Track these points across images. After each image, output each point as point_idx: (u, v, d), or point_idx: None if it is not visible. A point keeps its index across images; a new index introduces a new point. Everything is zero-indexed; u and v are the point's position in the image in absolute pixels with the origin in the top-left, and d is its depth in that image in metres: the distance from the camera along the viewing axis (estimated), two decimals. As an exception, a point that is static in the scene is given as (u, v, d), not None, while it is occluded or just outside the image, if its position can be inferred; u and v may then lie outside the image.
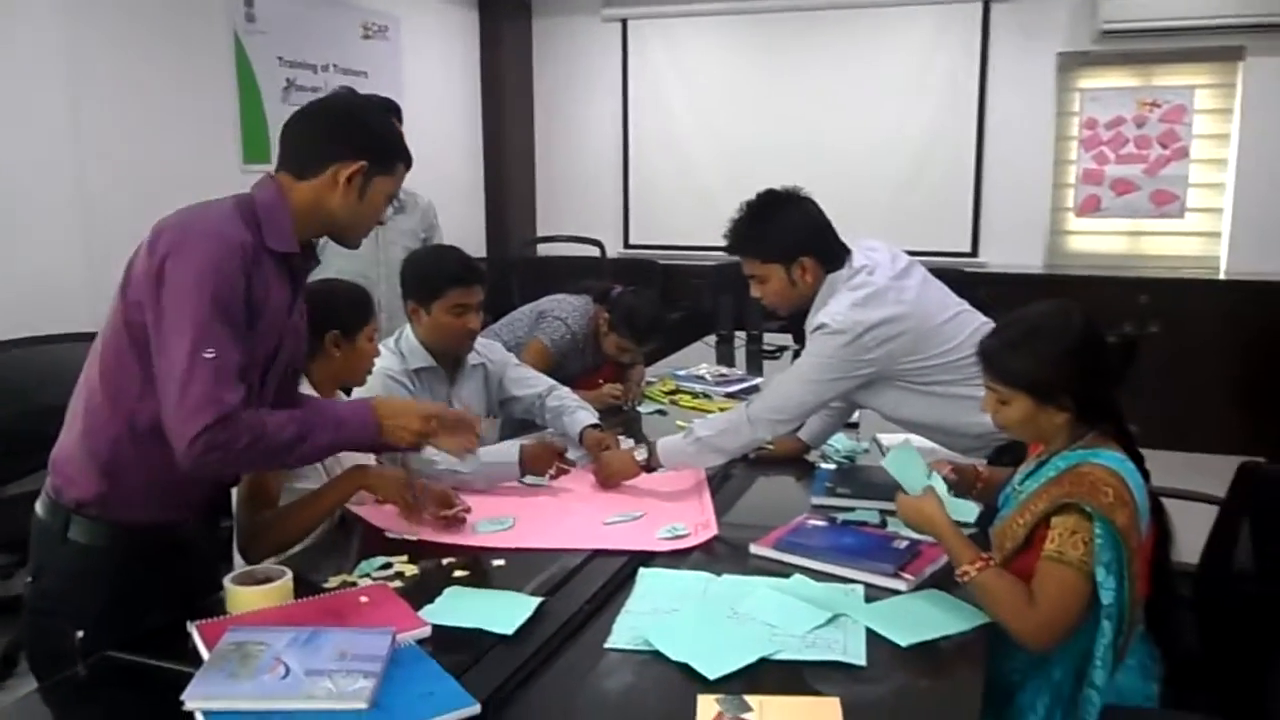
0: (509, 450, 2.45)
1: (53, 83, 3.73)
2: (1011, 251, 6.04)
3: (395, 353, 2.61)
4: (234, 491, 2.03)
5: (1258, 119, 5.60)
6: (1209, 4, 5.39)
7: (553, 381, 2.87)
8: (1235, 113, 5.68)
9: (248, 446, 1.57)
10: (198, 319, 1.54)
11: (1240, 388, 5.43)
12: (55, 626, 1.61)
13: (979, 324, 2.30)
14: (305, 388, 2.04)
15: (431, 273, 2.61)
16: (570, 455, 2.52)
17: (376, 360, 2.36)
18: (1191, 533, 1.87)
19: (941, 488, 1.82)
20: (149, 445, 1.63)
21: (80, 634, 1.57)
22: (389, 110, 3.05)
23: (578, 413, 2.72)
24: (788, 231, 2.34)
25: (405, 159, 1.80)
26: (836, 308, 2.27)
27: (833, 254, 2.36)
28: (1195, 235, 5.89)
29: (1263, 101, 5.58)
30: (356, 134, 1.73)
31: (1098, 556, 1.60)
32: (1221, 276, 5.72)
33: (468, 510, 2.14)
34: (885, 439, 2.75)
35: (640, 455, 2.41)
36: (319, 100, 1.85)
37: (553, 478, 2.45)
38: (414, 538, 1.99)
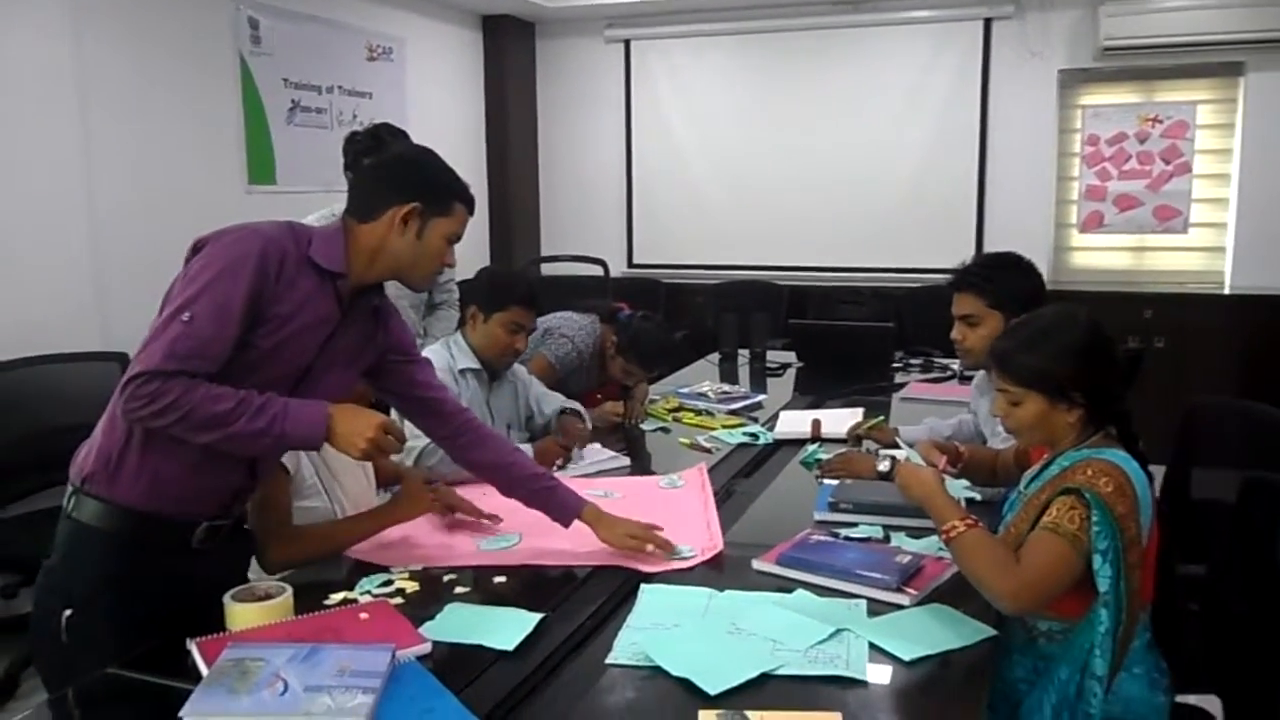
0: None
1: (62, 105, 3.77)
2: (1015, 268, 6.02)
3: (445, 350, 2.76)
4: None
5: (1259, 134, 5.62)
6: (1209, 20, 5.41)
7: (562, 398, 3.06)
8: (1237, 128, 5.70)
9: (168, 407, 1.57)
10: (196, 286, 1.61)
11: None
12: (49, 605, 1.68)
13: None
14: None
15: (504, 287, 2.80)
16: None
17: None
18: (1199, 543, 1.86)
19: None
20: (156, 439, 1.67)
21: (68, 612, 1.64)
22: (396, 137, 3.10)
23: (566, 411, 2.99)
24: (1021, 287, 2.43)
25: (463, 199, 1.85)
26: None
27: None
28: (1199, 250, 5.90)
29: (1264, 116, 5.59)
30: (411, 177, 1.81)
31: (1094, 543, 1.61)
32: (1226, 291, 5.72)
33: (496, 519, 2.21)
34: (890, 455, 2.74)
35: (883, 466, 2.42)
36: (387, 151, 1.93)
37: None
38: (418, 567, 1.98)
